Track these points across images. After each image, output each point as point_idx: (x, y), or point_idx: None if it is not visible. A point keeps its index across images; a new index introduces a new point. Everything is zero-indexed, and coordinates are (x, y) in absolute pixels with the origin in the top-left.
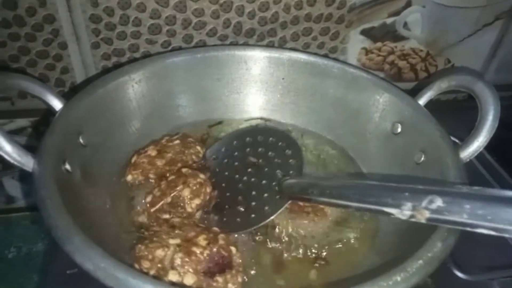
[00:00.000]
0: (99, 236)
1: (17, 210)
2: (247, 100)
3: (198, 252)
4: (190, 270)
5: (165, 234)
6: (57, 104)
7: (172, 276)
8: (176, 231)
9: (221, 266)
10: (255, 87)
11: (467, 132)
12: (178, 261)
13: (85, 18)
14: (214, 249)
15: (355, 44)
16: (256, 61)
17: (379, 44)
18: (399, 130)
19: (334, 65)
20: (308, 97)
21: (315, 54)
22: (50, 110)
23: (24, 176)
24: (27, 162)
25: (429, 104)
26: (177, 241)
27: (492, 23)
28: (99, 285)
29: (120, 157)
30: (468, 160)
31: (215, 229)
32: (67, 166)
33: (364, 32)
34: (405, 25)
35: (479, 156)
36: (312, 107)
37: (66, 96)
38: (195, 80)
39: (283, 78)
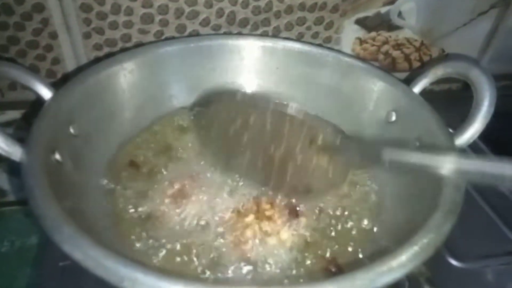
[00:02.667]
0: (92, 226)
1: (9, 203)
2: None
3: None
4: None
5: None
6: (46, 93)
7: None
8: None
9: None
10: (249, 77)
11: (461, 123)
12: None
13: (76, 7)
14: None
15: (349, 34)
16: (250, 51)
17: (373, 34)
18: (393, 118)
19: (328, 54)
20: (303, 86)
21: (309, 43)
22: (40, 101)
23: (16, 170)
24: (15, 151)
25: (423, 94)
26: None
27: (487, 11)
28: (92, 277)
29: (112, 147)
30: (463, 147)
31: None
32: (57, 156)
33: (358, 22)
34: (400, 14)
35: (473, 146)
36: (306, 97)
37: (57, 87)
38: (188, 70)
39: (277, 68)
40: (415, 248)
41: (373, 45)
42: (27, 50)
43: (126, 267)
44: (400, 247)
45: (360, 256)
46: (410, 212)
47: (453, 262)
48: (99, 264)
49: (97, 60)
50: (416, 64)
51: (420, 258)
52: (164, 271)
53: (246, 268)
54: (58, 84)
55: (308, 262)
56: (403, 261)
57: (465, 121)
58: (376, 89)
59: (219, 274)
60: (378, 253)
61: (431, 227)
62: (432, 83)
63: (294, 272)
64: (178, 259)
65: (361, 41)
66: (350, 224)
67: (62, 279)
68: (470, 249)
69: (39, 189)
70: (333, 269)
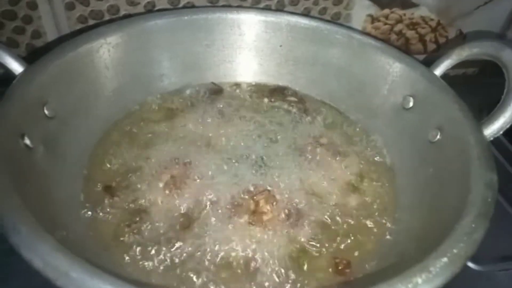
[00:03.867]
0: (67, 225)
1: None
2: (240, 70)
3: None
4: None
5: None
6: (17, 67)
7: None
8: None
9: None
10: (249, 55)
11: (477, 111)
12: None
13: None
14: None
15: (360, 11)
16: (251, 26)
17: (386, 11)
18: (411, 104)
19: (338, 31)
20: (308, 67)
21: (317, 18)
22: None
23: None
24: None
25: None
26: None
27: None
28: None
29: (94, 132)
30: (492, 138)
31: None
32: (27, 141)
33: None
34: None
35: (495, 142)
36: (312, 78)
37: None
38: (181, 46)
39: (280, 46)
40: (444, 260)
41: (385, 23)
42: (3, 21)
43: (93, 279)
44: (425, 259)
45: (372, 263)
46: (432, 210)
47: (470, 264)
48: (62, 274)
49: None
50: (431, 47)
51: (449, 272)
52: (136, 283)
53: None
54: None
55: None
56: (429, 276)
57: (495, 109)
58: (392, 71)
59: None
60: (394, 262)
61: (460, 233)
62: None
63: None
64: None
65: (373, 19)
66: (361, 220)
67: None
68: (487, 251)
69: None
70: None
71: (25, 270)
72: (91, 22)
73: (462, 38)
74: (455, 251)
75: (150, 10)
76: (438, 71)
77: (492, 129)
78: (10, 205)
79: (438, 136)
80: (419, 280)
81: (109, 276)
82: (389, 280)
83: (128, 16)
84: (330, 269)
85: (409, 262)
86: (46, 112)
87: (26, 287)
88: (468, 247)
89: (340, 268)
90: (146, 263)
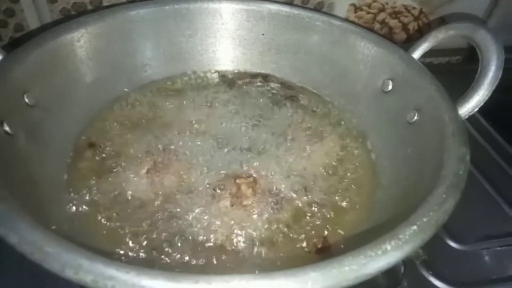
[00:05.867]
0: (47, 210)
1: None
2: (223, 59)
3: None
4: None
5: None
6: None
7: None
8: None
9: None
10: (232, 44)
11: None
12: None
13: None
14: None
15: (343, 0)
16: (233, 15)
17: (369, 0)
18: (390, 87)
19: (319, 17)
20: (291, 54)
21: (298, 6)
22: None
23: None
24: None
25: None
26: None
27: None
28: None
29: (77, 121)
30: (467, 116)
31: None
32: (6, 128)
33: None
34: None
35: (473, 120)
36: (295, 66)
37: None
38: (164, 36)
39: (263, 34)
40: (413, 228)
41: (368, 12)
42: None
43: (69, 253)
44: (396, 227)
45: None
46: (409, 187)
47: (452, 244)
48: (37, 248)
49: None
50: (415, 36)
51: (419, 239)
52: (111, 257)
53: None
54: None
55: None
56: (399, 243)
57: (470, 88)
58: (371, 56)
59: None
60: (372, 233)
61: (431, 203)
62: (430, 56)
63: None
64: None
65: (356, 8)
66: (342, 201)
67: None
68: (469, 230)
69: None
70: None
71: None
72: (74, 14)
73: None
74: (424, 219)
75: (133, 1)
76: (416, 54)
77: (467, 107)
78: None
79: (415, 117)
80: (388, 247)
81: (85, 250)
82: (360, 247)
83: (110, 7)
84: (308, 249)
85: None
86: (26, 100)
87: None
88: (439, 216)
89: (319, 247)
90: (125, 242)
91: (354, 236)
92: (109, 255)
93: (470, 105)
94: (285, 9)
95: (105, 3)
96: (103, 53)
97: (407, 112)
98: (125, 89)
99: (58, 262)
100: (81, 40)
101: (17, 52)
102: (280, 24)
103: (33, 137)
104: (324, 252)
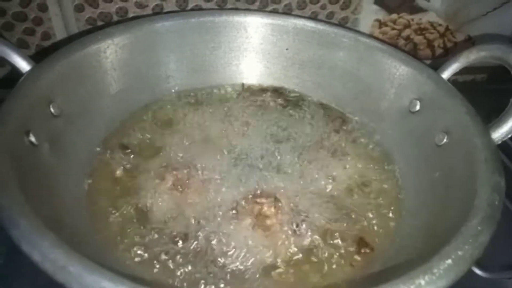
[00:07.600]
0: (71, 221)
1: None
2: (246, 73)
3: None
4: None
5: None
6: (24, 66)
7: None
8: None
9: None
10: (256, 58)
11: (485, 117)
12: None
13: None
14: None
15: (368, 15)
16: (257, 29)
17: (394, 15)
18: (417, 107)
19: (345, 34)
20: (315, 70)
21: (324, 21)
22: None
23: None
24: None
25: None
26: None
27: None
28: None
29: (100, 131)
30: (500, 141)
31: None
32: (32, 138)
33: (378, 2)
34: None
35: (503, 146)
36: (318, 82)
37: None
38: (188, 48)
39: (287, 49)
40: (448, 261)
41: (393, 28)
42: (14, 23)
43: (92, 274)
44: (430, 260)
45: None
46: (435, 213)
47: (477, 271)
48: (59, 268)
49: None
50: (439, 52)
51: (453, 274)
52: (137, 280)
53: None
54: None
55: None
56: (433, 278)
57: (503, 112)
58: (398, 74)
59: None
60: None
61: (466, 236)
62: (455, 74)
63: None
64: None
65: (381, 24)
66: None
67: None
68: (495, 258)
69: None
70: None
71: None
72: (100, 23)
73: (471, 44)
74: (460, 253)
75: (158, 13)
76: (446, 74)
77: (500, 132)
78: (11, 199)
79: (445, 140)
80: (422, 282)
81: (108, 271)
82: (392, 281)
83: (136, 18)
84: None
85: (412, 264)
86: (52, 110)
87: None
88: (474, 249)
89: None
90: (145, 262)
91: (379, 259)
92: (132, 278)
93: (504, 130)
94: (310, 24)
95: (130, 14)
96: (127, 64)
97: (435, 134)
98: (148, 101)
99: (80, 284)
100: (107, 51)
101: (44, 62)
102: (304, 39)
103: (56, 148)
104: None
